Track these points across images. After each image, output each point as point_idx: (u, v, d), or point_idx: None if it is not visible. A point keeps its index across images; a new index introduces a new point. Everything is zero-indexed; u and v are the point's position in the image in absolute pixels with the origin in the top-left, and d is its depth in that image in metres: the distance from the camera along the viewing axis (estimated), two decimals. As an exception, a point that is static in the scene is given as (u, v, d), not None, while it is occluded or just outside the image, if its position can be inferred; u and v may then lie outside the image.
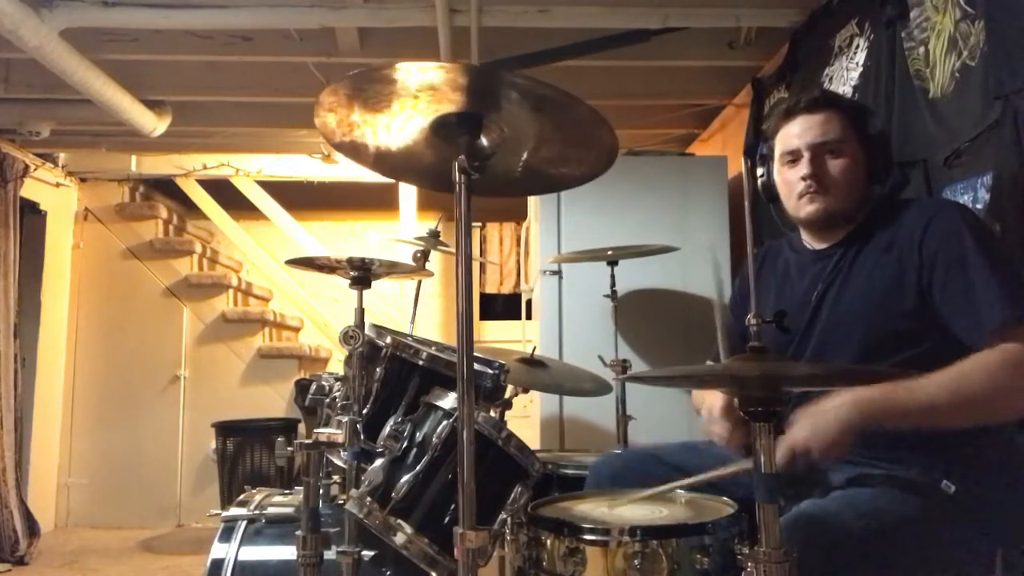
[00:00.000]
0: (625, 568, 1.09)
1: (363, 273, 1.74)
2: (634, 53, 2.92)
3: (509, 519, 1.23)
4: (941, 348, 1.29)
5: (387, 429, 1.33)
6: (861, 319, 1.39)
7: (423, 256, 2.32)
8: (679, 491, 1.33)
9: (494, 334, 5.35)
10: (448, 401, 1.33)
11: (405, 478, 1.28)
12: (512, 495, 1.28)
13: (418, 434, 1.33)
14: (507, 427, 1.33)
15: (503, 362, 1.57)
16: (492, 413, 1.78)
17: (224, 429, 4.11)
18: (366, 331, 1.55)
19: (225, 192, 4.87)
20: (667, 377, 1.21)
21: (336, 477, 1.82)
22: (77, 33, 2.74)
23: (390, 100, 1.11)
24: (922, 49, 1.92)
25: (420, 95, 1.09)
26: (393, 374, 1.48)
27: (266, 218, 4.96)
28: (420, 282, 2.76)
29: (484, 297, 5.55)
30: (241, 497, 1.88)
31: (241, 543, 1.71)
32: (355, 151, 1.26)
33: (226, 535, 1.73)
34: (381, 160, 1.31)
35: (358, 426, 1.36)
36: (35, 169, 4.27)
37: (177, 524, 4.51)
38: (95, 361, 4.64)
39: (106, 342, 4.66)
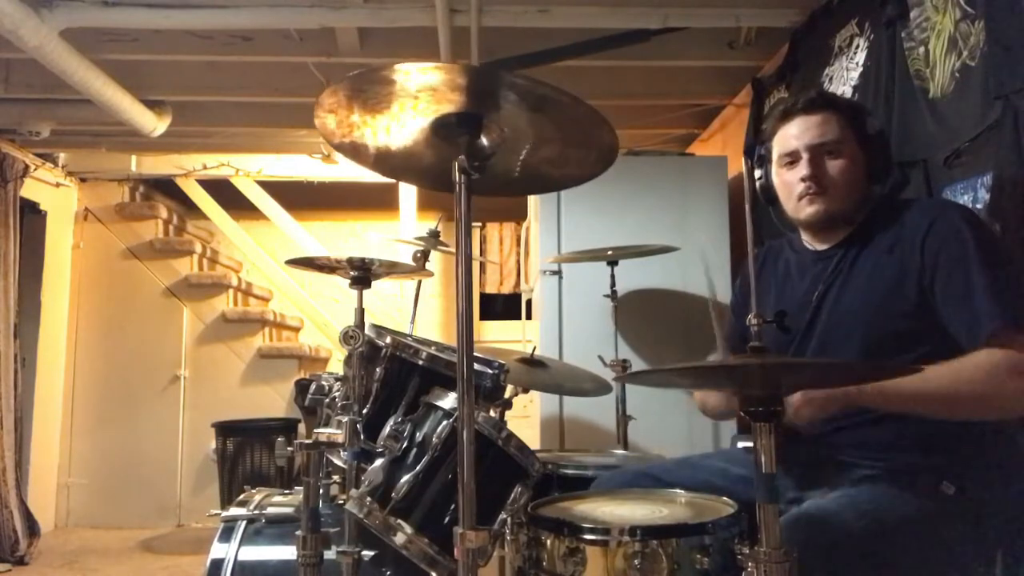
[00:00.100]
0: (625, 568, 1.09)
1: (363, 273, 1.74)
2: (634, 53, 2.92)
3: (509, 519, 1.23)
4: (942, 349, 1.29)
5: (387, 429, 1.33)
6: (862, 320, 1.39)
7: (423, 256, 2.32)
8: (679, 491, 1.33)
9: (494, 334, 5.35)
10: (448, 401, 1.33)
11: (405, 478, 1.28)
12: (512, 495, 1.28)
13: (418, 434, 1.33)
14: (507, 427, 1.33)
15: (503, 362, 1.57)
16: (492, 413, 1.78)
17: (224, 429, 4.11)
18: (366, 331, 1.54)
19: (225, 192, 4.86)
20: (666, 372, 1.21)
21: (336, 477, 1.82)
22: (77, 33, 2.74)
23: (390, 101, 1.11)
24: (922, 49, 1.92)
25: (420, 95, 1.09)
26: (393, 374, 1.48)
27: (266, 218, 4.96)
28: (420, 282, 2.76)
29: (484, 297, 5.55)
30: (241, 497, 1.88)
31: (241, 543, 1.71)
32: (355, 151, 1.27)
33: (226, 535, 1.73)
34: (381, 160, 1.31)
35: (358, 426, 1.36)
36: (35, 169, 4.27)
37: (177, 524, 4.51)
38: (95, 361, 4.64)
39: (106, 342, 4.66)
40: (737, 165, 3.05)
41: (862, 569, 1.18)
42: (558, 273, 2.87)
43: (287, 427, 4.21)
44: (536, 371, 2.28)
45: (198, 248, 4.91)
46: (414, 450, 1.31)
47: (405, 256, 2.50)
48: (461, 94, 1.09)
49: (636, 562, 1.08)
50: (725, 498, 1.25)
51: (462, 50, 2.81)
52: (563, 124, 1.16)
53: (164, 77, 3.37)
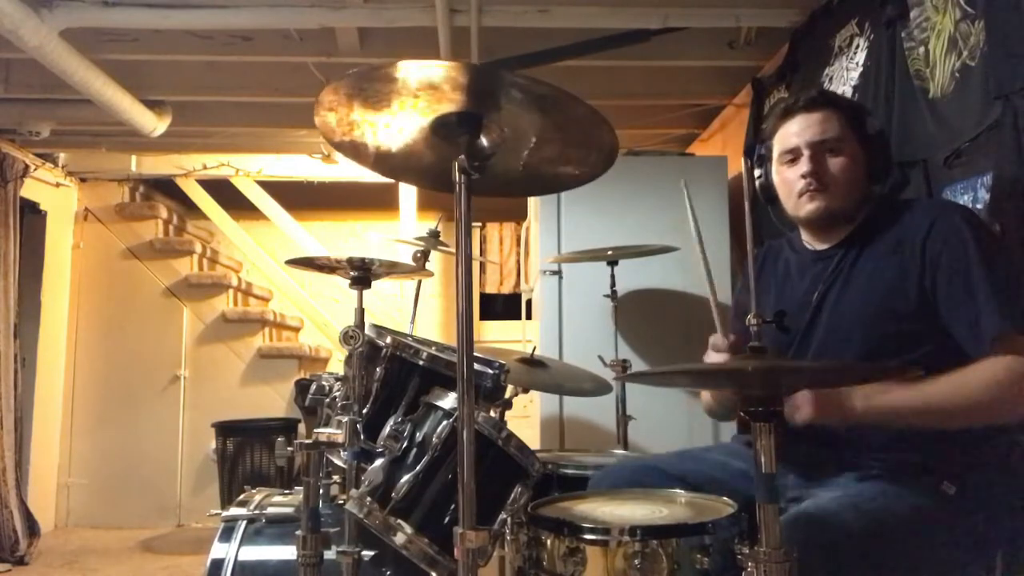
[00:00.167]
0: (625, 568, 1.09)
1: (363, 273, 1.74)
2: (634, 53, 2.92)
3: (509, 519, 1.23)
4: (942, 350, 1.29)
5: (387, 429, 1.33)
6: (862, 320, 1.39)
7: (423, 256, 2.32)
8: (679, 491, 1.33)
9: (494, 334, 5.35)
10: (448, 401, 1.33)
11: (405, 478, 1.28)
12: (512, 495, 1.28)
13: (418, 434, 1.33)
14: (507, 427, 1.33)
15: (503, 362, 1.56)
16: (492, 413, 1.78)
17: (224, 429, 4.11)
18: (366, 331, 1.54)
19: (225, 192, 4.86)
20: (666, 373, 1.21)
21: (336, 477, 1.82)
22: (77, 33, 2.74)
23: (390, 99, 1.11)
24: (922, 49, 1.92)
25: (420, 94, 1.09)
26: (393, 374, 1.48)
27: (266, 218, 4.96)
28: (420, 282, 2.76)
29: (484, 297, 5.55)
30: (241, 497, 1.88)
31: (241, 543, 1.71)
32: (355, 151, 1.26)
33: (226, 535, 1.73)
34: (381, 160, 1.31)
35: (358, 426, 1.36)
36: (35, 169, 4.27)
37: (177, 524, 4.51)
38: (95, 361, 4.64)
39: (106, 342, 4.66)
40: (737, 165, 3.05)
41: (862, 569, 1.18)
42: (558, 273, 2.87)
43: (287, 427, 4.21)
44: (536, 371, 2.28)
45: (198, 248, 4.91)
46: (414, 450, 1.31)
47: (405, 256, 2.51)
48: (461, 93, 1.09)
49: (636, 562, 1.08)
50: (725, 498, 1.25)
51: (462, 50, 2.81)
52: (563, 124, 1.16)
53: (164, 77, 3.37)
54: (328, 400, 1.77)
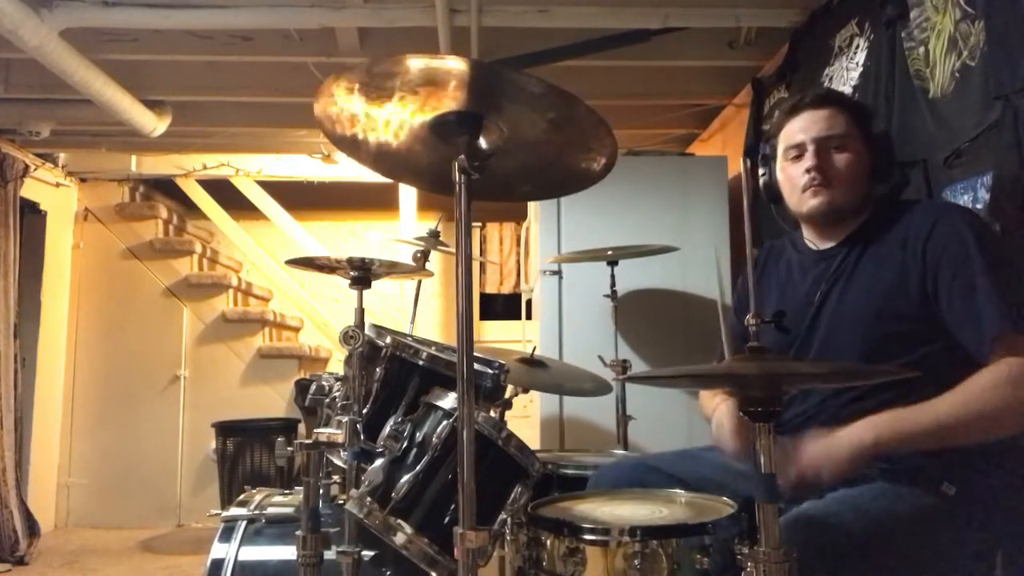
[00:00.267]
0: (625, 568, 1.09)
1: (363, 273, 1.74)
2: (634, 53, 2.92)
3: (509, 519, 1.23)
4: (944, 351, 1.29)
5: (387, 429, 1.33)
6: (864, 320, 1.39)
7: (423, 256, 2.33)
8: (679, 491, 1.33)
9: (494, 334, 5.35)
10: (448, 401, 1.33)
11: (405, 478, 1.28)
12: (512, 495, 1.28)
13: (418, 434, 1.33)
14: (507, 427, 1.33)
15: (503, 362, 1.56)
16: (492, 413, 1.78)
17: (224, 429, 4.11)
18: (366, 331, 1.54)
19: (225, 192, 4.86)
20: (667, 377, 1.21)
21: (336, 477, 1.82)
22: (77, 33, 2.74)
23: (391, 94, 1.10)
24: (922, 49, 1.92)
25: (421, 90, 1.09)
26: (393, 374, 1.48)
27: (266, 218, 4.96)
28: (420, 282, 2.76)
29: (484, 297, 5.55)
30: (241, 497, 1.88)
31: (241, 543, 1.71)
32: (354, 147, 1.26)
33: (226, 535, 1.73)
34: (380, 159, 1.31)
35: (358, 426, 1.36)
36: (35, 169, 4.27)
37: (177, 524, 4.51)
38: (95, 361, 4.64)
39: (106, 342, 4.66)
40: (737, 165, 3.05)
41: (862, 570, 1.18)
42: (558, 273, 2.87)
43: (287, 427, 4.21)
44: (536, 371, 2.28)
45: (198, 248, 4.91)
46: (414, 450, 1.31)
47: (405, 256, 2.51)
48: (462, 91, 1.09)
49: (636, 562, 1.08)
50: (725, 498, 1.25)
51: (462, 50, 2.81)
52: (564, 126, 1.16)
53: (164, 77, 3.37)
54: (328, 400, 1.77)
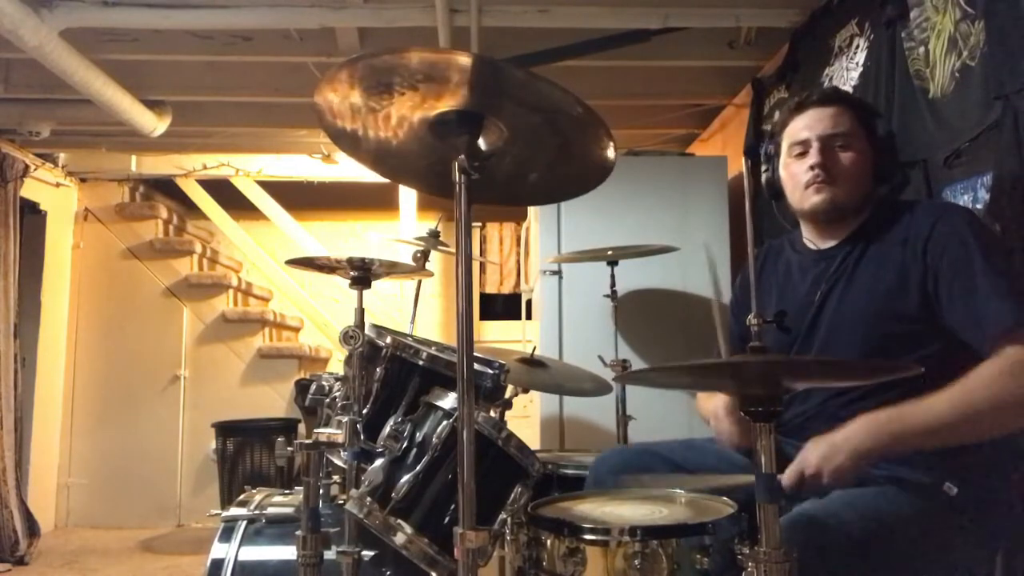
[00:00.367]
0: (625, 568, 1.09)
1: (363, 273, 1.74)
2: (634, 53, 2.92)
3: (509, 519, 1.23)
4: (944, 351, 1.29)
5: (387, 429, 1.33)
6: (864, 320, 1.39)
7: (423, 256, 2.32)
8: (679, 491, 1.33)
9: (494, 334, 5.35)
10: (448, 401, 1.33)
11: (405, 478, 1.28)
12: (512, 495, 1.28)
13: (418, 434, 1.33)
14: (507, 427, 1.33)
15: (503, 362, 1.56)
16: (492, 413, 1.78)
17: (224, 429, 4.11)
18: (366, 331, 1.55)
19: (225, 192, 4.86)
20: (666, 370, 1.21)
21: (336, 477, 1.82)
22: (77, 33, 2.74)
23: (391, 89, 1.09)
24: (922, 49, 1.92)
25: (421, 86, 1.08)
26: (393, 374, 1.48)
27: (266, 218, 4.96)
28: (420, 282, 2.76)
29: (484, 297, 5.55)
30: (241, 497, 1.88)
31: (241, 543, 1.71)
32: (354, 144, 1.25)
33: (226, 535, 1.73)
34: (380, 158, 1.30)
35: (358, 426, 1.36)
36: (35, 169, 4.27)
37: (177, 524, 4.51)
38: (95, 361, 4.64)
39: (106, 342, 4.66)
40: (737, 165, 3.05)
41: (862, 570, 1.18)
42: (558, 273, 2.87)
43: (287, 427, 4.21)
44: (536, 371, 2.28)
45: (198, 248, 4.91)
46: (414, 450, 1.31)
47: (405, 256, 2.51)
48: (463, 88, 1.08)
49: (636, 562, 1.08)
50: (725, 498, 1.25)
51: (462, 50, 2.81)
52: (564, 127, 1.16)
53: (164, 77, 3.37)
54: (328, 400, 1.78)
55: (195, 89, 3.43)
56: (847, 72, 2.33)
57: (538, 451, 2.14)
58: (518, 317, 4.68)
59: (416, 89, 1.09)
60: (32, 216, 4.37)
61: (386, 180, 1.63)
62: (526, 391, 2.33)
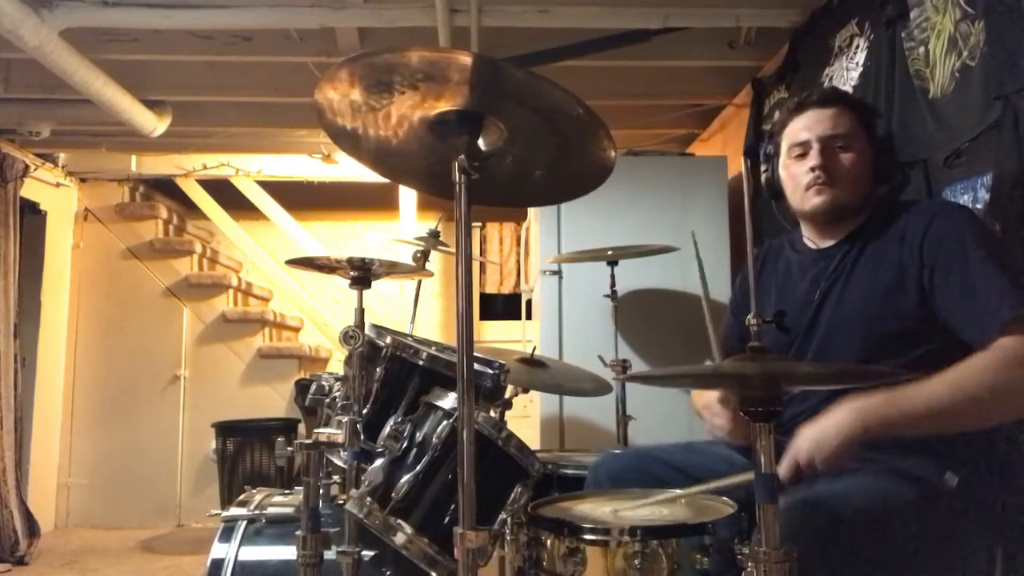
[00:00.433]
0: (625, 568, 1.09)
1: (363, 273, 1.74)
2: (634, 53, 2.92)
3: (509, 519, 1.23)
4: (944, 349, 1.29)
5: (387, 429, 1.33)
6: (863, 319, 1.39)
7: (423, 256, 2.33)
8: (679, 491, 1.33)
9: (494, 334, 5.35)
10: (448, 401, 1.33)
11: (405, 478, 1.28)
12: (512, 495, 1.28)
13: (418, 434, 1.33)
14: (507, 427, 1.33)
15: (503, 362, 1.56)
16: (492, 413, 1.78)
17: (224, 429, 4.11)
18: (366, 331, 1.55)
19: (225, 192, 4.87)
20: (667, 377, 1.21)
21: (336, 477, 1.82)
22: (77, 33, 2.74)
23: (392, 88, 1.09)
24: (922, 49, 1.92)
25: (422, 86, 1.08)
26: (393, 374, 1.48)
27: (266, 218, 4.96)
28: (420, 282, 2.76)
29: (484, 297, 5.55)
30: (241, 497, 1.88)
31: (241, 543, 1.71)
32: (354, 143, 1.25)
33: (226, 535, 1.73)
34: (380, 158, 1.30)
35: (358, 426, 1.36)
36: (35, 169, 4.27)
37: (177, 524, 4.51)
38: (95, 361, 4.64)
39: (106, 342, 4.66)
40: (737, 165, 3.05)
41: (860, 550, 1.17)
42: (558, 273, 2.87)
43: (287, 427, 4.21)
44: (536, 371, 2.28)
45: (198, 248, 4.91)
46: (414, 450, 1.31)
47: (405, 256, 2.51)
48: (463, 88, 1.08)
49: (636, 562, 1.08)
50: (725, 498, 1.25)
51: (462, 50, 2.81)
52: (564, 127, 1.16)
53: (164, 77, 3.37)
54: (328, 400, 1.78)
55: (195, 89, 3.43)
56: (847, 72, 2.33)
57: (538, 451, 2.14)
58: (518, 317, 4.68)
59: (416, 88, 1.09)
60: (32, 216, 4.37)
61: (386, 180, 1.63)
62: (526, 391, 2.33)
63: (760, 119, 3.03)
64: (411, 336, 1.77)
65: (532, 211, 3.31)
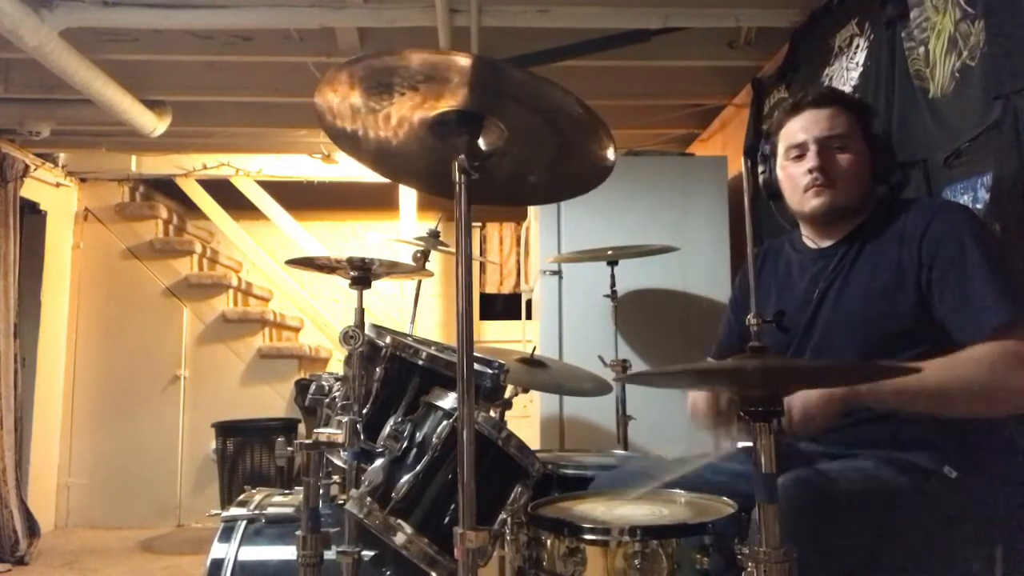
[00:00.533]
0: (625, 568, 1.09)
1: (363, 273, 1.74)
2: (634, 53, 2.92)
3: (509, 519, 1.23)
4: (942, 348, 1.29)
5: (387, 429, 1.33)
6: (861, 319, 1.39)
7: (423, 256, 2.33)
8: (679, 491, 1.33)
9: (494, 334, 5.35)
10: (448, 401, 1.33)
11: (405, 478, 1.28)
12: (512, 495, 1.28)
13: (418, 434, 1.33)
14: (507, 427, 1.33)
15: (503, 362, 1.56)
16: (492, 413, 1.78)
17: (224, 429, 4.11)
18: (366, 331, 1.54)
19: (225, 192, 4.87)
20: (667, 377, 1.21)
21: (336, 477, 1.82)
22: (77, 33, 2.74)
23: (392, 90, 1.09)
24: (922, 49, 1.92)
25: (422, 87, 1.08)
26: (393, 374, 1.48)
27: (266, 218, 4.96)
28: (420, 282, 2.76)
29: (484, 297, 5.55)
30: (241, 497, 1.88)
31: (241, 543, 1.71)
32: (354, 143, 1.25)
33: (226, 535, 1.73)
34: (380, 158, 1.30)
35: (358, 426, 1.36)
36: (35, 169, 4.27)
37: (177, 524, 4.51)
38: (95, 361, 4.64)
39: (106, 342, 4.66)
40: (737, 165, 3.05)
41: (858, 527, 1.18)
42: (558, 273, 2.87)
43: (287, 427, 4.21)
44: (536, 371, 2.28)
45: (198, 248, 4.91)
46: (414, 450, 1.31)
47: (405, 256, 2.51)
48: (463, 88, 1.08)
49: (636, 562, 1.08)
50: (725, 498, 1.25)
51: (462, 50, 2.81)
52: (564, 127, 1.16)
53: (164, 77, 3.37)
54: (328, 400, 1.77)
55: (195, 89, 3.43)
56: (847, 72, 2.33)
57: (538, 451, 2.14)
58: (518, 317, 4.68)
59: (416, 89, 1.09)
60: (32, 216, 4.37)
61: (386, 180, 1.63)
62: (526, 391, 2.33)
63: (760, 119, 3.03)
64: (411, 336, 1.77)
65: (532, 211, 3.31)
